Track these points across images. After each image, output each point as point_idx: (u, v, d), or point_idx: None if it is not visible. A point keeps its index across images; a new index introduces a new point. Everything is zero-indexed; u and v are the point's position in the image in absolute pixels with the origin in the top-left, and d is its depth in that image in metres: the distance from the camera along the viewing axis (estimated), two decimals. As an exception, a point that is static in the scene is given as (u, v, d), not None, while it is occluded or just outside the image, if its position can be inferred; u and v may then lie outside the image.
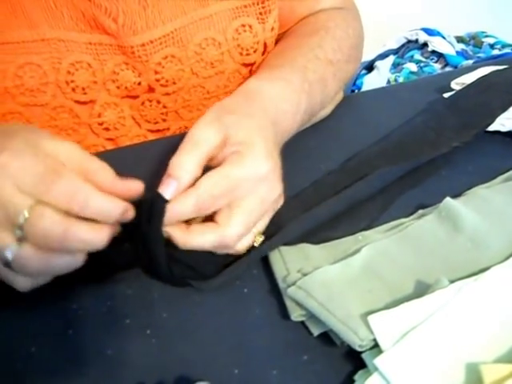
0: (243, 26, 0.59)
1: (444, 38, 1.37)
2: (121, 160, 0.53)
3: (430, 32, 1.38)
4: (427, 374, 0.32)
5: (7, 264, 0.34)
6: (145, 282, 0.41)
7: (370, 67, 1.43)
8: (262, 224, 0.42)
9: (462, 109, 0.57)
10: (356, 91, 1.35)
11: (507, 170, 0.50)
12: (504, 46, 1.36)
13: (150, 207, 0.37)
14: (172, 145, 0.55)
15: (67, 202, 0.33)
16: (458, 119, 0.55)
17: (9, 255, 0.34)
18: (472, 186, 0.49)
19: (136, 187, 0.37)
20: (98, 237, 0.34)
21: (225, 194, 0.38)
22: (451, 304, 0.35)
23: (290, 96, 0.50)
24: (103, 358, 0.37)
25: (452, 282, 0.37)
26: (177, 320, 0.39)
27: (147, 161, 0.53)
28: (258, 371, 0.36)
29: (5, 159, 0.34)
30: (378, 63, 1.39)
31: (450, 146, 0.52)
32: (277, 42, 0.63)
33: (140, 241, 0.38)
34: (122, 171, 0.49)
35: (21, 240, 0.34)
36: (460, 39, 1.41)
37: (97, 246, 0.34)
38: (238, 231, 0.39)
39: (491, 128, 0.56)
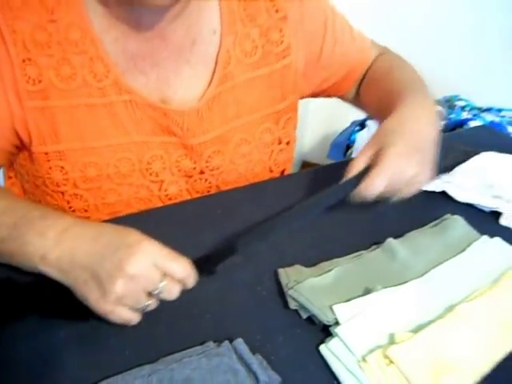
0: (266, 129, 0.85)
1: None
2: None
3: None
4: (369, 335, 0.57)
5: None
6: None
7: (362, 124, 1.70)
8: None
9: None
10: (351, 145, 1.62)
11: (435, 219, 0.77)
12: (472, 108, 1.60)
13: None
14: (210, 202, 0.82)
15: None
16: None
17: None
18: (411, 230, 0.75)
19: None
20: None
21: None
22: (384, 298, 0.61)
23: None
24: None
25: (385, 287, 0.63)
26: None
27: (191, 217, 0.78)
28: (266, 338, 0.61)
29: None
30: (368, 122, 1.65)
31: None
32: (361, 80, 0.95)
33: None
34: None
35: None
36: (437, 102, 1.67)
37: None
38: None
39: (429, 188, 0.82)
